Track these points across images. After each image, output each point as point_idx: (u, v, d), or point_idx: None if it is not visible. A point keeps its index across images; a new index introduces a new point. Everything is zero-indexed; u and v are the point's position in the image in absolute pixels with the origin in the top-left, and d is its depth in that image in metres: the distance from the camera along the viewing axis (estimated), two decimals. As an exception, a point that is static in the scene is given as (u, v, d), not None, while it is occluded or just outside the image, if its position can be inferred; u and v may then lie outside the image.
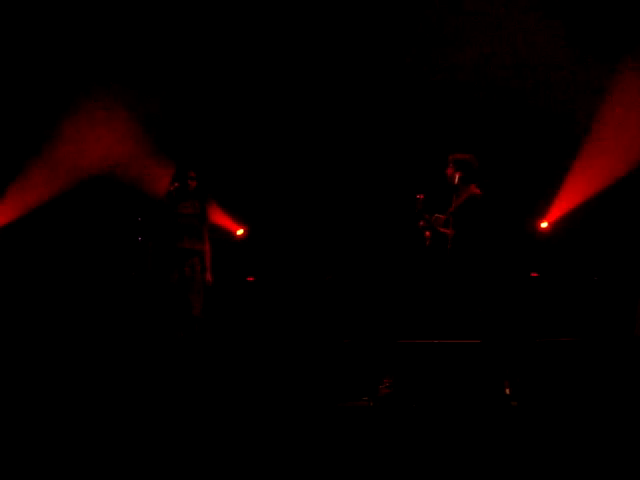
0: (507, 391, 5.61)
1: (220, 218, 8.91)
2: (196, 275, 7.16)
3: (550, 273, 8.48)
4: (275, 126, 9.16)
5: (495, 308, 7.13)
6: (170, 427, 4.93)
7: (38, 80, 8.79)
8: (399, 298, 8.56)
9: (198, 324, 6.98)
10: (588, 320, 7.88)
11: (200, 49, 8.89)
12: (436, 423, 4.94)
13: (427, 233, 7.00)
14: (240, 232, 9.17)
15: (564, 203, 8.62)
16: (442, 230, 6.83)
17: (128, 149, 8.85)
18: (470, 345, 5.88)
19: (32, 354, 6.07)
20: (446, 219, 6.84)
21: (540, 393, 5.38)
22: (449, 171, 6.93)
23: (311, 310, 8.58)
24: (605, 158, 8.39)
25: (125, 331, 8.06)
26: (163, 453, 4.65)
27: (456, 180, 6.86)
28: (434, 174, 8.10)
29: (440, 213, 6.97)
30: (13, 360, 5.90)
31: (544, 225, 8.70)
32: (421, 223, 6.99)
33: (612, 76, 8.37)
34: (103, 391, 5.51)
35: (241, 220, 9.19)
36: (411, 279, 8.39)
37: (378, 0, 8.78)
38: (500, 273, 7.60)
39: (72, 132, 8.86)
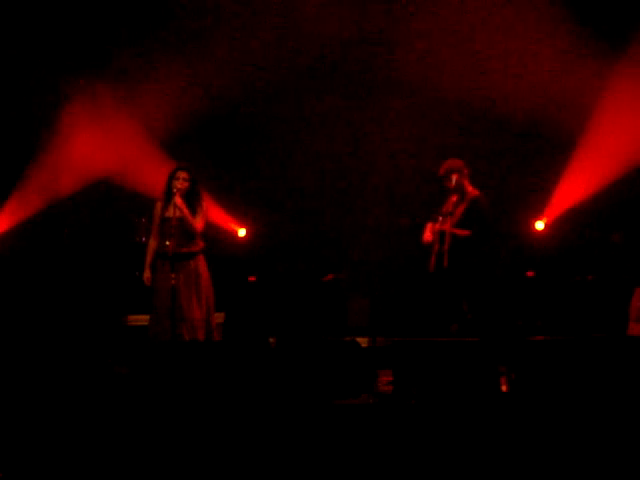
0: (504, 389, 5.71)
1: (221, 218, 8.96)
2: (191, 279, 6.83)
3: (545, 272, 8.56)
4: (276, 123, 9.23)
5: (492, 307, 7.24)
6: (168, 426, 4.98)
7: (35, 82, 8.80)
8: (400, 297, 8.66)
9: (205, 329, 6.79)
10: (582, 319, 7.97)
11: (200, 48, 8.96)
12: (435, 420, 5.02)
13: (431, 234, 7.03)
14: (242, 232, 9.23)
15: (560, 203, 8.70)
16: (458, 232, 6.88)
17: (130, 150, 8.88)
18: (468, 343, 5.97)
19: (32, 355, 6.08)
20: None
21: (536, 391, 5.48)
22: (449, 180, 6.97)
23: (312, 308, 8.64)
24: (602, 158, 8.45)
25: (127, 331, 8.15)
26: (160, 452, 4.72)
27: (452, 183, 6.94)
28: (432, 174, 8.22)
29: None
30: (13, 362, 5.93)
31: (540, 225, 8.78)
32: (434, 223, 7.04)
33: (609, 74, 8.41)
34: (102, 391, 5.57)
35: (243, 220, 9.26)
36: (414, 278, 8.47)
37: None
38: (499, 272, 7.70)
39: (71, 135, 8.90)
